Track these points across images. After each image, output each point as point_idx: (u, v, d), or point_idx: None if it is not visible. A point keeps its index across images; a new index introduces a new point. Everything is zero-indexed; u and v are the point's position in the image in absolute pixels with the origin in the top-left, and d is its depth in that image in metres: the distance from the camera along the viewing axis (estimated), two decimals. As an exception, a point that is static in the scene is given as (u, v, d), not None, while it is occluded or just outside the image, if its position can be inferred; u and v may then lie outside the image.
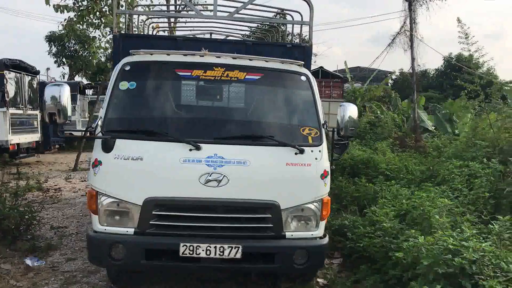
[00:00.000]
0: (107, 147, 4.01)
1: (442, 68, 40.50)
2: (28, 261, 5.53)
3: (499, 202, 5.65)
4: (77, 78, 27.12)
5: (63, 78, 27.49)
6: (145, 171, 3.99)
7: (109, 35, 14.03)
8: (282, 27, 8.43)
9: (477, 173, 6.34)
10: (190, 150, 4.00)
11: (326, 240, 4.31)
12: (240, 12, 5.80)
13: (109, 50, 14.71)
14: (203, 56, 4.53)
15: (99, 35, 13.90)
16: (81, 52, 25.72)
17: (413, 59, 11.66)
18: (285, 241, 4.15)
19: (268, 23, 7.61)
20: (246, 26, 7.94)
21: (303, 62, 4.71)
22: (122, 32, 5.87)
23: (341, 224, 5.97)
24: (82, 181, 12.45)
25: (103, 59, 24.27)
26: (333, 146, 4.57)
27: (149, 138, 4.08)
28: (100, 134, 4.05)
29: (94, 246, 4.10)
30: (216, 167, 3.99)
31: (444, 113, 15.15)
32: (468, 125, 13.27)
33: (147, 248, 4.02)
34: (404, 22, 11.71)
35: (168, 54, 4.55)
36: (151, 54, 4.53)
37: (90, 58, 25.50)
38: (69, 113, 3.92)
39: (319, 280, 5.14)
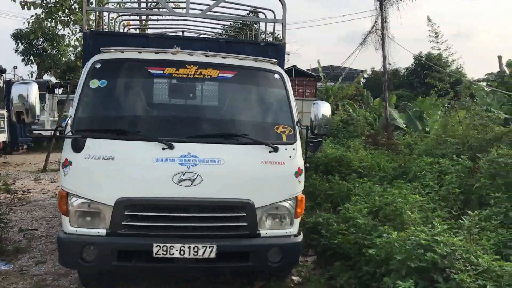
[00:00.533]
0: (78, 147, 3.92)
1: (413, 67, 41.25)
2: (-5, 265, 5.36)
3: (468, 197, 5.77)
4: (46, 77, 26.54)
5: (31, 77, 26.85)
6: (117, 171, 3.92)
7: (78, 33, 13.75)
8: (256, 26, 8.42)
9: (447, 170, 6.48)
10: (163, 149, 3.95)
11: (300, 237, 4.33)
12: (213, 10, 5.77)
13: (79, 48, 14.40)
14: (175, 54, 4.48)
15: (68, 33, 13.56)
16: (49, 50, 25.18)
17: (384, 57, 11.83)
18: (259, 240, 4.14)
19: (241, 21, 7.58)
20: (219, 24, 7.90)
21: (276, 60, 4.71)
22: (93, 29, 5.75)
23: (315, 221, 6.00)
24: (52, 182, 12.17)
25: (72, 58, 23.84)
26: (307, 144, 4.58)
27: (120, 137, 4.01)
28: (70, 134, 3.96)
29: (64, 248, 4.00)
30: (189, 166, 3.95)
31: (415, 111, 15.43)
32: (438, 123, 13.54)
33: (120, 249, 3.95)
34: (376, 21, 11.87)
35: (139, 52, 4.48)
36: (122, 52, 4.45)
37: (59, 56, 25.03)
38: (38, 112, 3.81)
39: (293, 277, 5.15)
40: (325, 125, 4.51)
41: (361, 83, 35.20)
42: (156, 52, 4.49)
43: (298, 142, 4.34)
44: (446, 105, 15.51)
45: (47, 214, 8.19)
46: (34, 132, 4.60)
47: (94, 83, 4.23)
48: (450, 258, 3.50)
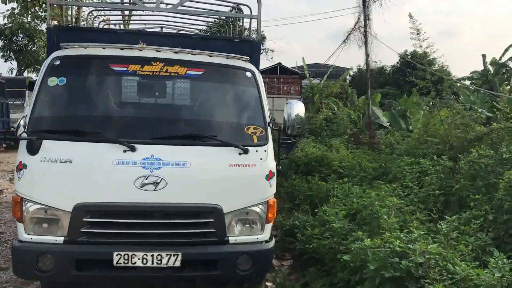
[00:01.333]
0: (33, 149, 3.68)
1: (398, 65, 41.28)
2: (-47, 273, 5.08)
3: (448, 199, 5.62)
4: (26, 74, 25.97)
5: (11, 73, 26.26)
6: (75, 175, 3.68)
7: (57, 28, 13.40)
8: (239, 23, 8.20)
9: (427, 170, 6.32)
10: (125, 151, 3.72)
11: (272, 243, 4.13)
12: (186, 5, 5.54)
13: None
14: (141, 50, 4.24)
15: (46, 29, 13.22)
16: (30, 47, 24.64)
17: (367, 55, 11.69)
18: (228, 247, 3.94)
19: (217, 16, 7.32)
20: (198, 20, 7.66)
21: (248, 58, 4.49)
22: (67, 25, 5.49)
23: (292, 224, 5.81)
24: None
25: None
26: (280, 146, 4.38)
27: (79, 139, 3.77)
28: (24, 135, 3.70)
29: (19, 257, 3.76)
30: (153, 170, 3.73)
31: (398, 109, 15.34)
32: (420, 122, 13.44)
33: (78, 258, 3.71)
34: (359, 19, 11.72)
35: (103, 48, 4.23)
36: (85, 48, 4.19)
37: (39, 53, 24.52)
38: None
39: (267, 283, 4.96)
40: (298, 125, 4.31)
41: (347, 81, 35.23)
42: (121, 48, 4.25)
43: (270, 143, 4.14)
44: (429, 104, 15.51)
45: (18, 217, 7.88)
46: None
47: (53, 81, 3.97)
48: (425, 267, 3.33)
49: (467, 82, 27.31)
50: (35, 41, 23.07)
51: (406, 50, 40.71)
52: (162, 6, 5.30)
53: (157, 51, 4.29)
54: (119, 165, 3.69)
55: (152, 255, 3.71)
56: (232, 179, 3.93)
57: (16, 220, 3.79)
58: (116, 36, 5.14)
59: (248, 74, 4.36)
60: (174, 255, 3.74)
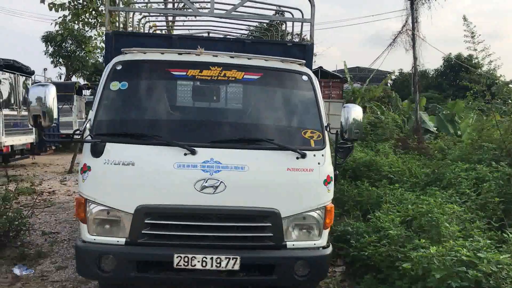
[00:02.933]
0: (97, 152, 3.76)
1: (442, 68, 40.36)
2: (16, 270, 5.27)
3: (508, 207, 5.40)
4: (74, 79, 26.89)
5: (60, 78, 27.19)
6: (137, 177, 3.74)
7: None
8: (282, 27, 8.18)
9: (485, 177, 6.10)
10: (185, 154, 3.75)
11: (329, 250, 4.07)
12: (238, 10, 5.57)
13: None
14: (199, 55, 4.28)
15: (95, 35, 13.59)
16: (78, 53, 25.49)
17: (415, 58, 11.42)
18: (285, 252, 3.91)
19: (267, 20, 7.32)
20: (244, 25, 7.70)
21: (304, 61, 4.46)
22: (123, 31, 5.64)
23: (343, 230, 5.72)
24: (77, 183, 12.17)
25: (100, 60, 24.07)
26: (337, 150, 4.32)
27: (141, 142, 3.83)
28: (89, 138, 3.80)
29: (82, 257, 3.85)
30: (212, 173, 3.75)
31: (446, 113, 14.91)
32: (471, 127, 13.03)
33: (139, 260, 3.77)
34: (406, 21, 11.47)
35: (162, 53, 4.30)
36: (144, 53, 4.28)
37: (87, 58, 25.32)
38: (55, 115, 3.66)
39: (321, 290, 4.89)
40: (356, 129, 4.23)
41: (389, 84, 34.62)
42: (179, 53, 4.31)
43: (327, 148, 4.09)
44: (482, 108, 15.00)
45: (71, 217, 8.11)
46: (51, 134, 4.42)
47: (115, 85, 4.07)
48: (495, 278, 3.19)
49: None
50: (83, 47, 23.81)
51: (450, 53, 39.86)
52: (216, 11, 5.34)
53: (213, 55, 4.32)
54: (179, 168, 3.73)
55: (212, 258, 3.73)
56: (289, 184, 3.91)
57: (79, 220, 3.88)
58: (171, 41, 5.22)
59: (305, 77, 4.33)
60: (233, 258, 3.74)
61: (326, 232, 4.07)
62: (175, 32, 10.42)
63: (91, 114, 4.00)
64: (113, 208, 3.76)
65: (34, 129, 14.96)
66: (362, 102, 22.94)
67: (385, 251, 4.50)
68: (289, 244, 3.91)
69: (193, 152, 3.75)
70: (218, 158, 3.78)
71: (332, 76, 28.04)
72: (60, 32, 16.02)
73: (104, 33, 5.30)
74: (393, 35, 12.31)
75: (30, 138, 14.64)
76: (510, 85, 20.55)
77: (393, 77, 39.53)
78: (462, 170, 6.50)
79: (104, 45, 14.60)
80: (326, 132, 4.15)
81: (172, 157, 3.75)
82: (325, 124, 4.18)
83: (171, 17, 12.31)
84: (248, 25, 7.98)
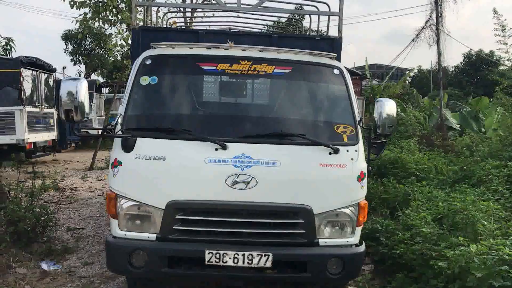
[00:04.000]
0: (128, 147, 3.73)
1: (462, 65, 39.67)
2: (44, 265, 5.29)
3: (543, 205, 5.24)
4: (93, 77, 27.12)
5: (79, 76, 27.51)
6: (168, 172, 3.70)
7: (125, 32, 13.84)
8: (304, 22, 8.05)
9: (517, 174, 5.94)
10: (216, 149, 3.69)
11: (362, 247, 3.98)
12: (264, 4, 5.49)
13: (125, 48, 14.50)
14: (228, 49, 4.22)
15: (115, 32, 13.66)
16: (97, 51, 25.69)
17: (439, 54, 11.21)
18: (318, 249, 3.83)
19: (291, 15, 7.19)
20: (267, 20, 7.62)
21: (335, 54, 4.37)
22: (151, 26, 5.61)
23: (372, 228, 5.61)
24: (99, 180, 12.27)
25: (119, 57, 24.23)
26: (370, 146, 4.22)
27: (172, 137, 3.78)
28: (119, 133, 3.77)
29: (113, 252, 3.82)
30: (243, 168, 3.68)
31: (469, 110, 14.63)
32: (496, 123, 12.77)
33: (170, 256, 3.73)
34: (430, 16, 11.25)
35: (190, 47, 4.25)
36: (173, 47, 4.23)
37: (106, 56, 25.50)
38: (87, 110, 3.63)
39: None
40: (390, 124, 4.12)
41: (407, 82, 34.20)
42: (207, 48, 4.25)
43: (361, 143, 3.99)
44: (501, 105, 14.69)
45: (94, 213, 8.16)
46: (82, 130, 4.40)
47: (145, 80, 4.03)
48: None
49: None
50: (102, 45, 23.99)
51: (471, 49, 39.20)
52: (242, 6, 5.27)
53: (242, 50, 4.25)
54: (211, 163, 3.68)
55: (243, 255, 3.66)
56: (322, 180, 3.82)
57: (110, 216, 3.85)
58: (197, 36, 5.17)
59: (336, 71, 4.24)
60: (265, 255, 3.67)
61: (359, 230, 3.98)
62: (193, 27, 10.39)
63: (121, 109, 3.97)
64: (144, 203, 3.72)
65: (55, 126, 15.11)
66: (381, 100, 22.61)
67: (418, 249, 4.39)
68: (322, 241, 3.83)
69: (224, 147, 3.69)
70: (250, 153, 3.72)
71: (351, 73, 27.73)
72: (80, 30, 16.21)
73: (131, 29, 5.27)
74: (416, 30, 12.09)
75: (51, 135, 14.76)
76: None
77: (411, 74, 39.07)
78: (493, 167, 6.33)
79: (123, 43, 14.64)
80: (359, 127, 4.05)
81: (203, 152, 3.70)
82: (357, 119, 4.08)
83: (190, 13, 12.29)
84: (270, 21, 7.90)
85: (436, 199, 5.67)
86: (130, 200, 3.73)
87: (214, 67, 4.14)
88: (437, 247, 4.28)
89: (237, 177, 3.66)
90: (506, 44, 8.10)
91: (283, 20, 10.20)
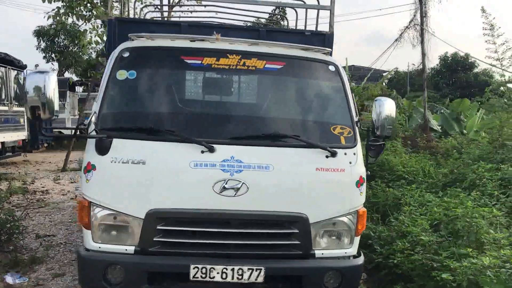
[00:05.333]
0: (102, 149, 3.32)
1: (438, 67, 39.94)
2: (9, 278, 4.81)
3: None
4: (67, 75, 26.27)
5: (52, 74, 26.58)
6: (148, 178, 3.30)
7: (100, 28, 13.32)
8: (283, 21, 7.72)
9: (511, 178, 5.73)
10: (202, 152, 3.32)
11: (361, 259, 3.66)
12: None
13: (100, 45, 13.95)
14: (215, 41, 3.85)
15: (90, 28, 13.10)
16: (70, 48, 24.86)
17: (423, 54, 11.06)
18: (314, 261, 3.50)
19: (277, 11, 6.82)
20: (249, 16, 7.26)
21: (330, 50, 4.05)
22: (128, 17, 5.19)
23: (363, 234, 5.29)
24: (72, 182, 11.72)
25: (93, 55, 23.47)
26: (368, 148, 3.91)
27: (152, 138, 3.39)
28: (93, 133, 3.36)
29: (86, 267, 3.40)
30: (233, 173, 3.32)
31: (451, 112, 14.57)
32: (478, 125, 12.72)
33: (151, 271, 3.34)
34: (414, 16, 11.08)
35: (172, 39, 3.86)
36: (153, 39, 3.84)
37: (80, 53, 24.72)
38: (56, 107, 3.21)
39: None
40: (389, 125, 3.83)
41: (384, 83, 34.30)
42: (191, 40, 3.86)
43: (359, 145, 3.68)
44: (481, 107, 14.70)
45: (66, 218, 7.67)
46: (55, 130, 3.96)
47: (122, 75, 3.62)
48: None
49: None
50: (76, 42, 23.17)
51: (447, 52, 39.59)
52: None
53: (230, 43, 3.90)
54: (196, 168, 3.30)
55: (233, 269, 3.30)
56: (319, 186, 3.49)
57: (82, 226, 3.44)
58: (179, 29, 4.79)
59: (332, 67, 3.91)
60: (256, 269, 3.32)
61: (357, 240, 3.66)
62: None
63: (96, 107, 3.55)
64: (121, 212, 3.32)
65: (26, 125, 14.44)
66: (360, 101, 22.58)
67: (418, 259, 4.10)
68: (318, 253, 3.51)
69: (211, 150, 3.32)
70: (240, 156, 3.36)
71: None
72: (53, 26, 15.54)
73: (107, 20, 4.85)
74: (399, 30, 11.91)
75: (22, 135, 14.11)
76: (509, 84, 20.35)
77: (389, 76, 39.27)
78: (486, 170, 6.12)
79: (99, 39, 14.07)
80: (356, 128, 3.74)
81: (188, 155, 3.32)
82: (355, 119, 3.77)
83: (168, 9, 11.85)
84: (253, 17, 7.54)
85: (430, 203, 5.42)
86: (105, 208, 3.33)
87: (200, 61, 3.76)
88: (438, 256, 4.00)
89: (226, 183, 3.30)
90: (495, 43, 7.96)
91: (263, 20, 9.87)
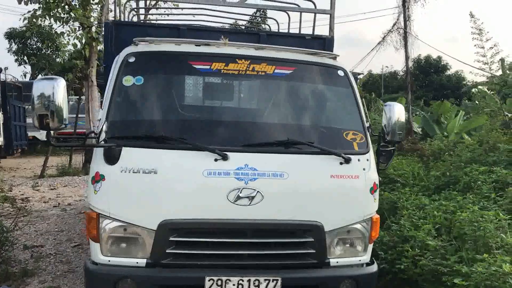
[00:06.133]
0: (111, 158, 3.18)
1: (412, 69, 40.63)
2: (1, 293, 4.60)
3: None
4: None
5: (25, 77, 25.88)
6: (160, 187, 3.19)
7: (78, 31, 13.00)
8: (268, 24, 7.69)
9: (505, 180, 5.80)
10: (215, 160, 3.22)
11: (375, 267, 3.63)
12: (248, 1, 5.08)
13: (78, 46, 13.61)
14: (221, 46, 3.76)
15: (67, 31, 12.77)
16: (44, 50, 24.28)
17: (407, 57, 11.19)
18: (330, 270, 3.44)
19: (285, 11, 6.70)
20: (243, 20, 7.22)
21: (339, 55, 4.01)
22: (114, 19, 5.03)
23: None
24: (52, 189, 11.39)
25: (66, 58, 22.94)
26: (379, 154, 3.88)
27: (163, 146, 3.27)
28: (102, 142, 3.22)
29: (95, 282, 3.26)
30: (247, 181, 3.23)
31: (431, 114, 14.82)
32: (458, 126, 12.94)
33: (164, 284, 3.22)
34: (397, 19, 11.21)
35: (178, 44, 3.75)
36: (159, 44, 3.72)
37: (54, 56, 24.19)
38: (65, 115, 3.05)
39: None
40: (399, 130, 3.81)
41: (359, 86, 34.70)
42: (196, 45, 3.76)
43: (371, 151, 3.65)
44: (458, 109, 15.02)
45: (52, 227, 7.41)
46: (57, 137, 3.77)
47: (128, 80, 3.48)
48: None
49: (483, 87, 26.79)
50: (49, 44, 22.66)
51: (420, 54, 40.32)
52: (228, 0, 4.82)
53: (237, 47, 3.81)
54: (210, 176, 3.20)
55: (249, 280, 3.21)
56: (333, 193, 3.44)
57: (90, 239, 3.29)
58: (178, 32, 4.69)
59: (341, 72, 3.87)
60: (273, 280, 3.24)
61: (370, 247, 3.63)
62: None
63: (102, 114, 3.41)
64: (132, 224, 3.19)
65: (1, 130, 13.98)
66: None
67: (427, 264, 4.09)
68: (333, 261, 3.45)
69: (225, 158, 3.23)
70: (253, 164, 3.28)
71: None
72: (28, 28, 15.10)
73: (104, 23, 4.71)
74: (382, 33, 12.05)
75: (-3, 141, 13.66)
76: (480, 87, 20.82)
77: (360, 77, 39.71)
78: (480, 172, 6.18)
79: (77, 42, 13.70)
80: (368, 134, 3.71)
81: (201, 164, 3.22)
82: (366, 125, 3.73)
83: (144, 10, 11.65)
84: (246, 20, 7.49)
85: (428, 207, 5.44)
86: (115, 220, 3.20)
87: (208, 66, 3.65)
88: (446, 261, 4.00)
89: (241, 192, 3.21)
90: (483, 48, 8.10)
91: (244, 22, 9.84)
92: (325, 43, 4.85)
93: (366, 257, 3.59)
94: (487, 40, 7.90)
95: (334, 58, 4.00)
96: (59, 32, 15.24)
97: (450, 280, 3.71)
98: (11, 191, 10.80)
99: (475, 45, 9.18)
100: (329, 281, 3.41)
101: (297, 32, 5.55)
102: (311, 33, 5.13)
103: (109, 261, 3.23)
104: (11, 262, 5.45)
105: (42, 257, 5.82)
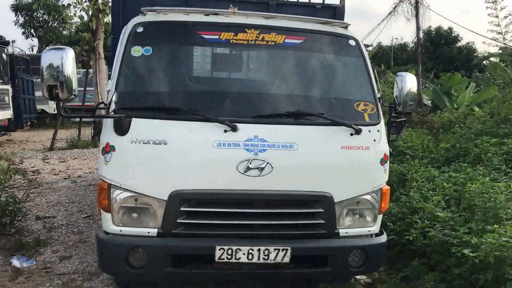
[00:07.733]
0: (121, 129, 3.18)
1: (422, 41, 40.03)
2: (16, 262, 4.67)
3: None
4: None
5: (32, 50, 25.83)
6: (171, 158, 3.20)
7: (85, 2, 12.86)
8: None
9: (517, 151, 5.76)
10: (225, 131, 3.21)
11: (384, 237, 3.64)
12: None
13: (85, 18, 13.46)
14: (231, 15, 3.70)
15: (73, 2, 12.63)
16: (50, 23, 24.12)
17: (418, 28, 10.99)
18: (339, 241, 3.46)
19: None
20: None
21: (350, 24, 3.93)
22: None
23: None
24: (61, 161, 11.48)
25: (73, 30, 22.81)
26: (390, 125, 3.85)
27: (173, 117, 3.26)
28: (112, 113, 3.21)
29: (107, 251, 3.31)
30: (257, 152, 3.23)
31: (441, 86, 14.63)
32: (469, 99, 12.79)
33: (175, 253, 3.26)
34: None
35: (186, 13, 3.69)
36: (166, 14, 3.66)
37: (61, 29, 24.05)
38: (75, 85, 3.04)
39: (359, 277, 4.48)
40: (411, 101, 3.77)
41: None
42: (205, 14, 3.70)
43: (382, 122, 3.62)
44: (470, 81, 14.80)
45: (63, 199, 7.50)
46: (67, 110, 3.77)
47: (137, 51, 3.45)
48: None
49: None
50: (56, 17, 22.50)
51: (430, 26, 39.60)
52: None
53: (245, 17, 3.75)
54: (220, 147, 3.20)
55: (259, 250, 3.24)
56: (343, 164, 3.43)
57: (101, 209, 3.32)
58: (186, 1, 4.63)
59: (352, 42, 3.80)
60: (283, 249, 3.26)
61: (380, 218, 3.64)
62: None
63: (111, 85, 3.40)
64: (143, 194, 3.22)
65: (10, 103, 14.02)
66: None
67: (436, 235, 4.09)
68: (342, 231, 3.47)
69: (235, 129, 3.22)
70: (263, 135, 3.26)
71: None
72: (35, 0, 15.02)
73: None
74: (393, 3, 11.80)
75: (7, 114, 13.71)
76: (492, 59, 20.44)
77: (369, 49, 39.15)
78: (491, 144, 6.13)
79: (83, 14, 13.54)
80: (379, 104, 3.67)
81: (211, 135, 3.21)
82: (378, 95, 3.69)
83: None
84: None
85: (437, 179, 5.42)
86: (126, 190, 3.22)
87: (217, 36, 3.61)
88: (456, 233, 4.00)
89: (250, 163, 3.21)
90: (497, 17, 7.88)
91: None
92: (335, 12, 4.77)
93: (375, 228, 3.60)
94: (502, 8, 7.68)
95: (346, 27, 3.93)
96: (65, 4, 15.16)
97: (459, 251, 3.72)
98: (22, 163, 10.90)
99: (488, 14, 8.96)
100: (339, 251, 3.43)
101: (307, 1, 5.45)
102: (321, 1, 5.05)
103: (120, 231, 3.27)
104: (24, 232, 5.54)
105: (54, 227, 5.91)
